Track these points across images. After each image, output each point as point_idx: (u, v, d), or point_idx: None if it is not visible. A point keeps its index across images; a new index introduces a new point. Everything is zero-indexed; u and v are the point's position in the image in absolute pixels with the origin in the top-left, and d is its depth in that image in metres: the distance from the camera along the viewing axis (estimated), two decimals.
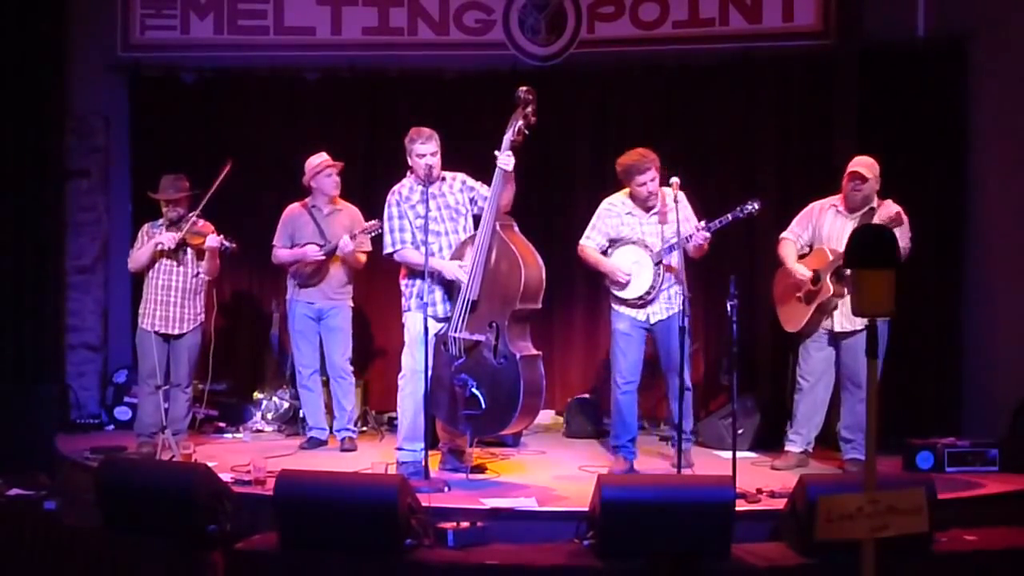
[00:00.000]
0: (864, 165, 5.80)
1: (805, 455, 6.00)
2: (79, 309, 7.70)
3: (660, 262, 5.71)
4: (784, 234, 6.04)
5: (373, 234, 6.34)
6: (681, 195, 5.67)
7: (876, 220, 5.60)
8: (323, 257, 6.51)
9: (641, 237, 5.80)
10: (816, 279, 5.79)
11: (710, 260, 6.01)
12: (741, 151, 7.44)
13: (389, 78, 7.72)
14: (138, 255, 6.37)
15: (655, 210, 5.79)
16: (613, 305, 5.92)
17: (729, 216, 5.66)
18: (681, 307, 5.64)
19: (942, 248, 6.90)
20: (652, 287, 5.74)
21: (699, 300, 7.04)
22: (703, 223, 5.70)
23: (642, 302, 5.79)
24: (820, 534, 2.82)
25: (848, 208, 5.85)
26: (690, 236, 5.64)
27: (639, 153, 5.74)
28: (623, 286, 5.80)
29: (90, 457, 6.07)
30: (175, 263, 6.30)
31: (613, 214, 5.87)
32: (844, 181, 5.84)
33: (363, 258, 6.59)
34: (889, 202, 5.84)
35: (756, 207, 5.65)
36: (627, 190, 5.87)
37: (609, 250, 5.89)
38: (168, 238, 6.23)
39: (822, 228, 5.90)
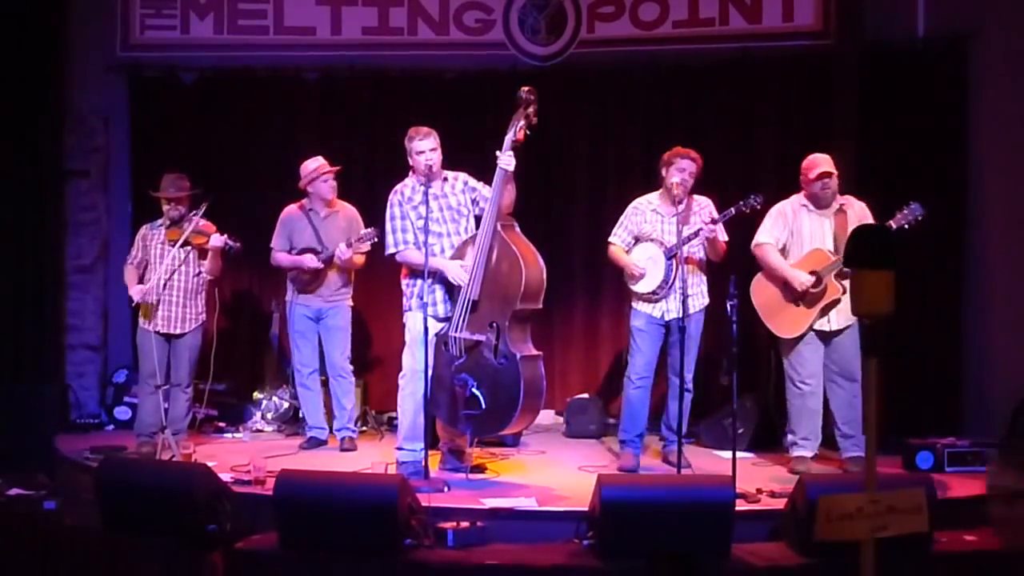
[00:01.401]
0: (829, 163, 5.83)
1: (815, 458, 5.97)
2: (79, 309, 7.69)
3: (673, 256, 5.76)
4: (763, 240, 5.92)
5: (370, 242, 6.33)
6: (705, 200, 5.92)
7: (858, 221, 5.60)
8: (321, 267, 6.51)
9: (659, 235, 5.87)
10: (818, 281, 5.78)
11: (710, 260, 6.02)
12: (741, 151, 7.44)
13: (389, 78, 7.72)
14: (130, 277, 6.37)
15: (680, 209, 5.79)
16: (632, 303, 6.00)
17: (732, 209, 5.77)
18: (702, 307, 5.78)
19: (942, 248, 6.89)
20: (664, 281, 5.80)
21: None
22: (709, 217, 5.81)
23: (656, 297, 5.86)
24: (820, 534, 2.82)
25: (818, 206, 5.85)
26: (699, 231, 5.72)
27: (689, 149, 5.89)
28: (637, 280, 5.87)
29: (90, 457, 6.08)
30: (177, 262, 6.30)
31: (639, 212, 5.99)
32: (810, 180, 5.81)
33: (361, 260, 6.58)
34: (850, 198, 5.89)
35: (760, 201, 5.76)
36: (658, 192, 5.97)
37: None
38: (137, 293, 6.22)
39: (802, 229, 5.87)
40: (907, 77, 7.08)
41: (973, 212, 6.92)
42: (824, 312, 5.78)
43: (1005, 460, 5.25)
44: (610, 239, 6.06)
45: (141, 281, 6.33)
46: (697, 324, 5.90)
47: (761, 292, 5.97)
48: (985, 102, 6.88)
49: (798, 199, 5.93)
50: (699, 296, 5.92)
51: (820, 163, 5.82)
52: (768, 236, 5.92)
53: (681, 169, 5.81)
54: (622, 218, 6.05)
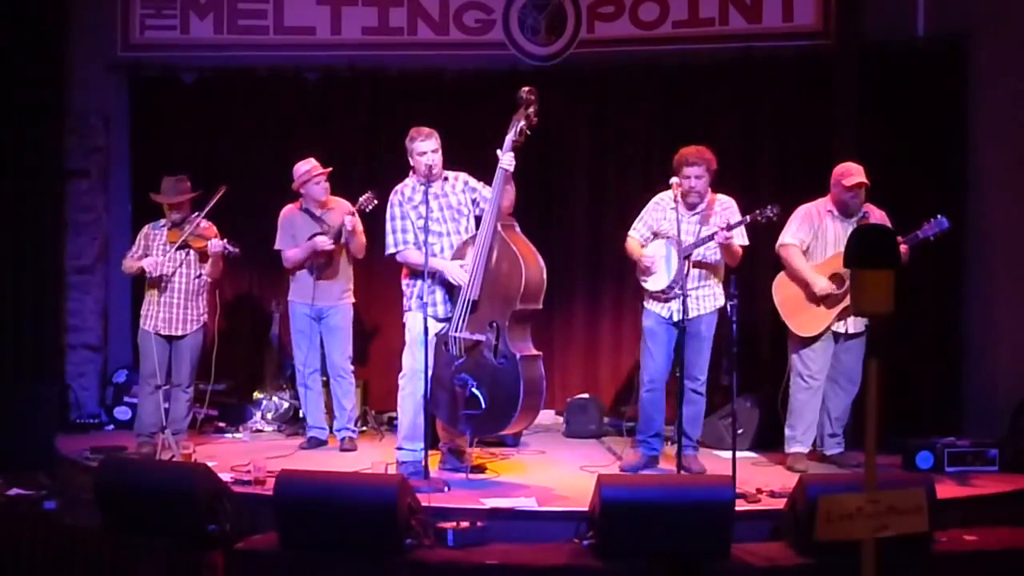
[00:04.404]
0: (862, 173, 5.82)
1: (812, 454, 6.02)
2: (79, 309, 7.69)
3: (687, 256, 5.67)
4: (788, 240, 5.93)
5: (369, 207, 6.30)
6: (728, 200, 5.84)
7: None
8: (333, 245, 6.47)
9: (675, 233, 5.75)
10: (840, 284, 5.75)
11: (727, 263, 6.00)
12: (741, 151, 7.43)
13: (389, 78, 7.72)
14: (130, 264, 6.38)
15: (699, 209, 5.80)
16: (644, 302, 5.95)
17: (748, 217, 5.70)
18: (715, 308, 5.74)
19: (942, 248, 6.87)
20: (674, 281, 5.73)
21: None
22: (724, 223, 5.73)
23: (665, 296, 5.81)
24: (820, 534, 2.82)
25: (844, 213, 5.87)
26: (712, 235, 5.65)
27: (696, 148, 5.81)
28: (648, 275, 5.82)
29: (90, 457, 6.08)
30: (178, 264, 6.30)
31: (659, 208, 5.91)
32: (844, 188, 5.80)
33: (363, 239, 6.54)
34: (872, 207, 5.90)
35: (776, 211, 5.65)
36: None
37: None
38: (150, 263, 6.24)
39: (827, 234, 5.88)
40: (907, 77, 7.08)
41: (973, 212, 6.91)
42: (842, 315, 5.81)
43: None
44: (630, 232, 5.99)
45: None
46: (708, 326, 5.81)
47: (783, 290, 5.99)
48: (985, 102, 6.88)
49: (824, 203, 5.93)
50: (710, 298, 5.82)
51: (855, 173, 5.81)
52: (793, 237, 5.93)
53: (687, 176, 5.73)
54: (643, 212, 5.96)
